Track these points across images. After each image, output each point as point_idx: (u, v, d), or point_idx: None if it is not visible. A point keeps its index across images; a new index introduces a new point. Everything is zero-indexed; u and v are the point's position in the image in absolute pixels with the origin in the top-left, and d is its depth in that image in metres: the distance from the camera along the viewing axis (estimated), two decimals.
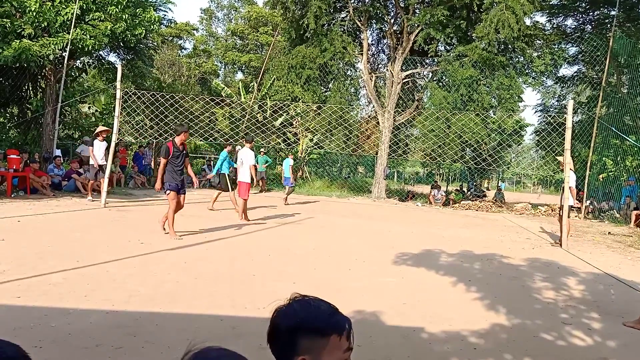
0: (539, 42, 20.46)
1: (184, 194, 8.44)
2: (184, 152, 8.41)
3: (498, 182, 27.67)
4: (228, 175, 12.43)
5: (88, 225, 8.99)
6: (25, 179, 12.87)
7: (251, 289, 5.47)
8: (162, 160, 8.17)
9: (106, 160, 12.18)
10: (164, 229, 8.42)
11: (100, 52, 17.44)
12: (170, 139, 8.48)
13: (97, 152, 12.48)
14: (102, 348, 3.62)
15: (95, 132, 12.83)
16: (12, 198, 11.98)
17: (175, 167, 8.19)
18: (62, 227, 8.57)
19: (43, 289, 4.89)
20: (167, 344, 3.78)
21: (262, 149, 20.81)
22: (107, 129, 12.84)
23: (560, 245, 10.00)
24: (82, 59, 16.89)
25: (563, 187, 10.51)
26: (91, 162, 12.65)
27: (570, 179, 10.14)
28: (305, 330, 1.32)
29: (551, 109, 24.89)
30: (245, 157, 10.57)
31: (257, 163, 19.92)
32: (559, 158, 10.46)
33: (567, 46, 22.65)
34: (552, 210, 18.25)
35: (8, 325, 3.90)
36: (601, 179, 19.34)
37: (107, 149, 12.29)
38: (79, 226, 8.84)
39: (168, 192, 8.14)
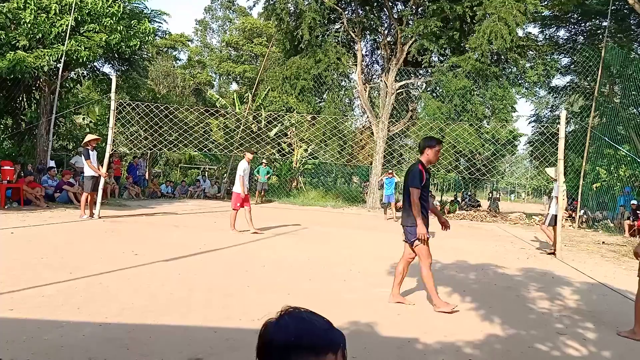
0: (532, 53, 20.64)
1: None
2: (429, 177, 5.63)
3: (491, 192, 27.75)
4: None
5: (81, 237, 8.95)
6: (19, 191, 12.81)
7: (245, 300, 5.45)
8: (415, 192, 5.36)
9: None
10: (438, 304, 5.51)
11: (95, 64, 17.51)
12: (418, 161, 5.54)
13: (94, 162, 11.35)
14: None
15: (85, 141, 11.61)
16: (5, 209, 11.93)
17: (422, 201, 5.46)
18: (55, 239, 8.52)
19: (36, 301, 4.85)
20: (160, 356, 3.76)
21: (264, 161, 20.83)
22: (96, 137, 11.87)
23: (555, 254, 10.02)
24: (76, 70, 16.91)
25: (551, 198, 10.56)
26: (87, 173, 11.40)
27: (557, 189, 10.13)
28: (299, 348, 1.22)
29: (544, 119, 25.06)
30: (236, 168, 10.73)
31: (259, 174, 19.94)
32: (548, 170, 10.50)
33: (560, 57, 22.88)
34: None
35: (0, 338, 3.86)
36: (595, 189, 19.45)
37: (99, 159, 11.82)
38: (72, 238, 8.80)
39: (417, 243, 5.44)
